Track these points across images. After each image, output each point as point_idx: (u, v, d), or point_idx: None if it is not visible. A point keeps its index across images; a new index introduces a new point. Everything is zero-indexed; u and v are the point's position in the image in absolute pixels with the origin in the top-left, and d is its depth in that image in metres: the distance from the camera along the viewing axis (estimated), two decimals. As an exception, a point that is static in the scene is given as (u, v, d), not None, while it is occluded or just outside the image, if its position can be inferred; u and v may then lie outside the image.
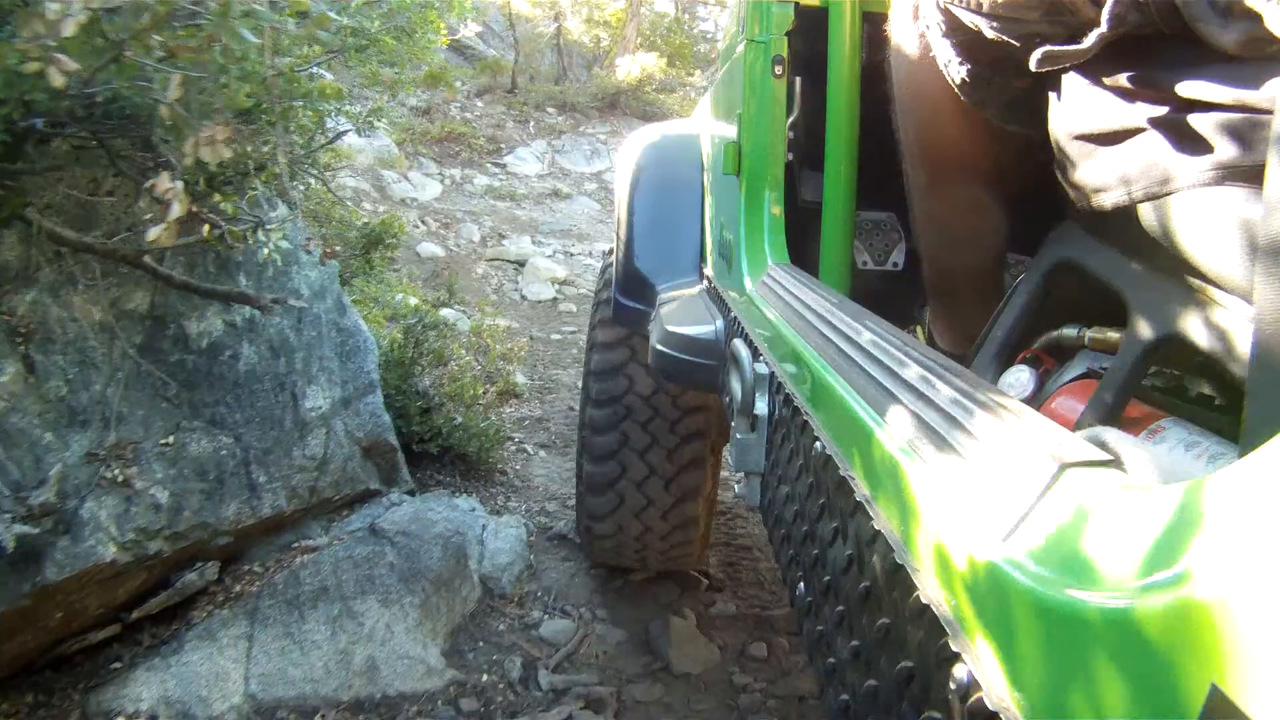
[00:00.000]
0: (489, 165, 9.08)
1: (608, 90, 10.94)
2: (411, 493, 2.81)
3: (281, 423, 2.31)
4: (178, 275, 2.06)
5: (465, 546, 2.50)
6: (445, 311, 5.05)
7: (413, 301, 4.77)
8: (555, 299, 6.23)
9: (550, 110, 10.48)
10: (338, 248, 3.57)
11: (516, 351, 4.75)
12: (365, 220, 5.19)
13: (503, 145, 9.46)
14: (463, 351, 4.22)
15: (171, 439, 2.03)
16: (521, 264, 6.68)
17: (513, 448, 3.72)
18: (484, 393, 3.96)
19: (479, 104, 10.18)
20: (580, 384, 3.84)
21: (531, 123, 10.16)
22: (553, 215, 8.25)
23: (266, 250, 1.96)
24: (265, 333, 2.32)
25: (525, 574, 2.68)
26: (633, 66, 11.30)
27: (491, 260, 6.78)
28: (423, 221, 7.19)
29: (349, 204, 5.83)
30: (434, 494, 2.89)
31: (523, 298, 6.25)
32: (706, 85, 11.23)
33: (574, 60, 12.23)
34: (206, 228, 1.92)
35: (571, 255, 7.25)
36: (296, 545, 2.37)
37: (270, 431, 2.26)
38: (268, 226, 1.99)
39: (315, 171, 2.95)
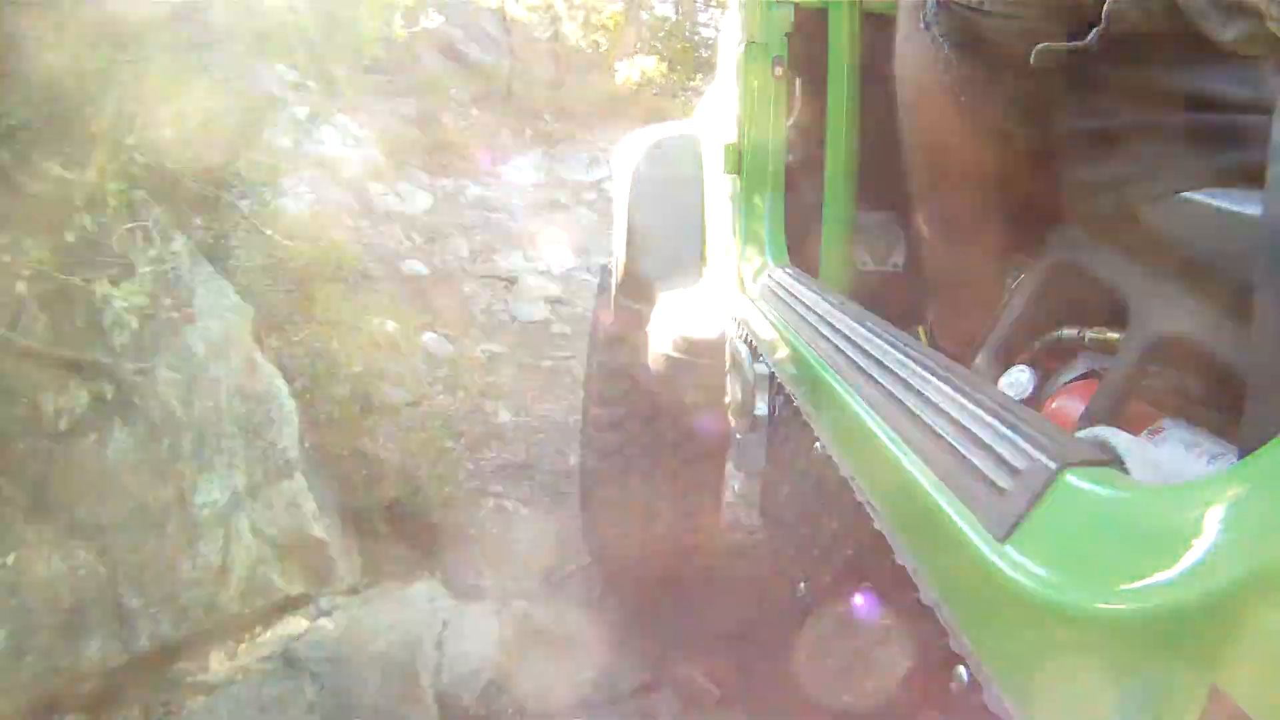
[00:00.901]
0: (483, 175, 8.69)
1: (607, 96, 10.54)
2: (355, 589, 2.26)
3: (163, 526, 1.79)
4: (18, 340, 1.57)
5: (417, 660, 2.00)
6: (427, 336, 4.81)
7: (390, 327, 4.55)
8: (548, 320, 5.76)
9: (547, 117, 10.11)
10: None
11: (500, 386, 4.38)
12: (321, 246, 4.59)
13: (497, 154, 9.08)
14: (435, 390, 3.97)
15: (11, 558, 1.55)
16: (513, 281, 6.27)
17: (490, 504, 3.15)
18: (460, 438, 3.60)
19: (473, 112, 9.81)
20: (574, 421, 3.58)
21: (528, 130, 9.76)
22: (549, 227, 7.83)
23: (122, 304, 1.53)
24: (144, 407, 1.79)
25: (494, 687, 2.11)
26: (632, 71, 10.82)
27: (481, 278, 6.37)
28: (408, 237, 6.77)
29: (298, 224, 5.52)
30: (382, 587, 2.31)
31: (513, 318, 5.77)
32: (707, 89, 11.14)
33: (572, 66, 11.83)
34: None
35: (568, 270, 6.83)
36: (189, 682, 1.83)
37: (148, 538, 1.75)
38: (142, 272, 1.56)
39: (239, 191, 2.48)
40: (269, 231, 2.62)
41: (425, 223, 7.08)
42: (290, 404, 2.22)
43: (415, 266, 6.00)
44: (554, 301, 5.89)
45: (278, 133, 7.35)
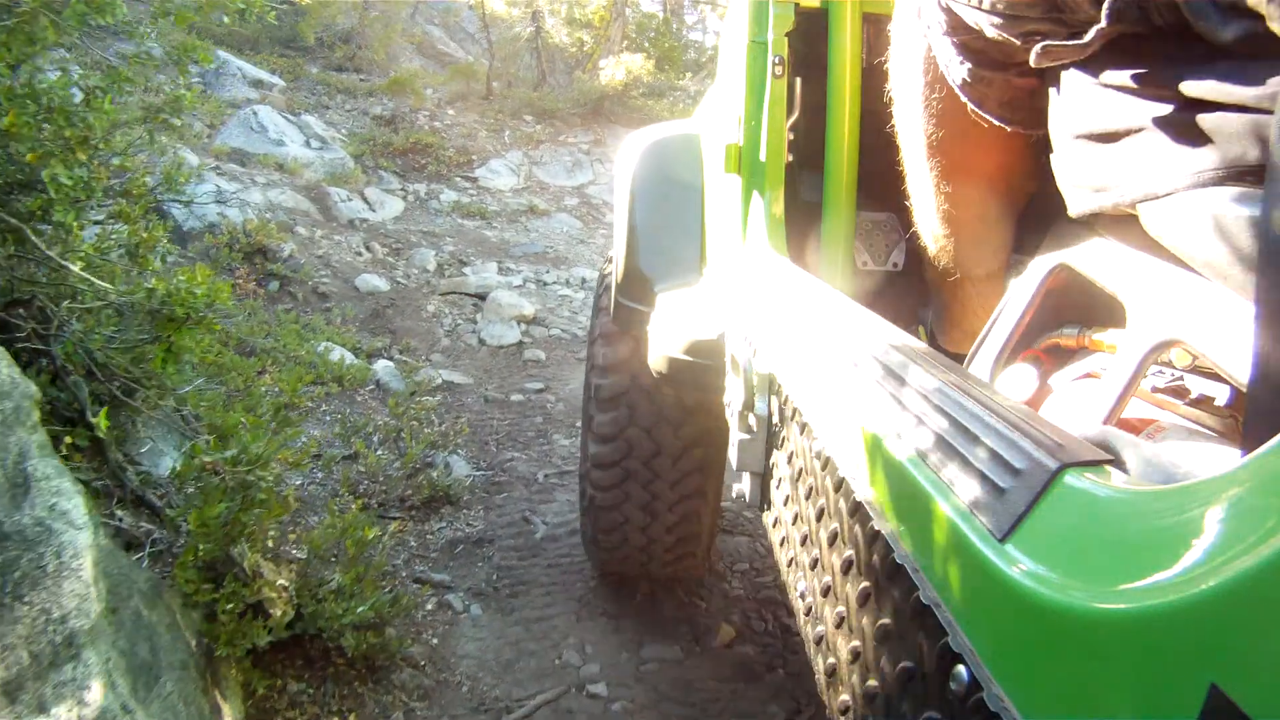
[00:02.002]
0: (458, 179, 7.99)
1: (590, 96, 9.94)
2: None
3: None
4: None
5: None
6: (379, 365, 4.24)
7: (336, 356, 4.00)
8: (520, 343, 5.00)
9: (528, 118, 9.56)
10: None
11: (455, 433, 3.52)
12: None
13: (474, 157, 8.43)
14: (373, 441, 3.31)
15: None
16: (482, 298, 5.50)
17: (431, 604, 2.40)
18: (403, 508, 2.88)
19: (449, 112, 9.31)
20: (544, 476, 3.30)
21: (507, 131, 9.15)
22: (526, 235, 7.20)
23: None
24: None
25: None
26: (617, 70, 10.30)
27: (446, 295, 5.55)
28: (366, 248, 5.98)
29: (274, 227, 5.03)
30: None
31: (481, 342, 4.98)
32: (696, 89, 10.69)
33: (554, 64, 11.23)
34: None
35: (544, 284, 6.09)
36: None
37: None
38: None
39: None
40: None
41: (393, 231, 6.51)
42: (84, 537, 1.39)
43: (375, 282, 5.44)
44: (528, 322, 5.31)
45: (236, 133, 6.79)
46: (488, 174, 8.28)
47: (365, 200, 6.88)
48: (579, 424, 3.70)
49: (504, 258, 6.56)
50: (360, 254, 5.88)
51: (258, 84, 8.31)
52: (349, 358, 4.20)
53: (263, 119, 7.21)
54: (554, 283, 6.18)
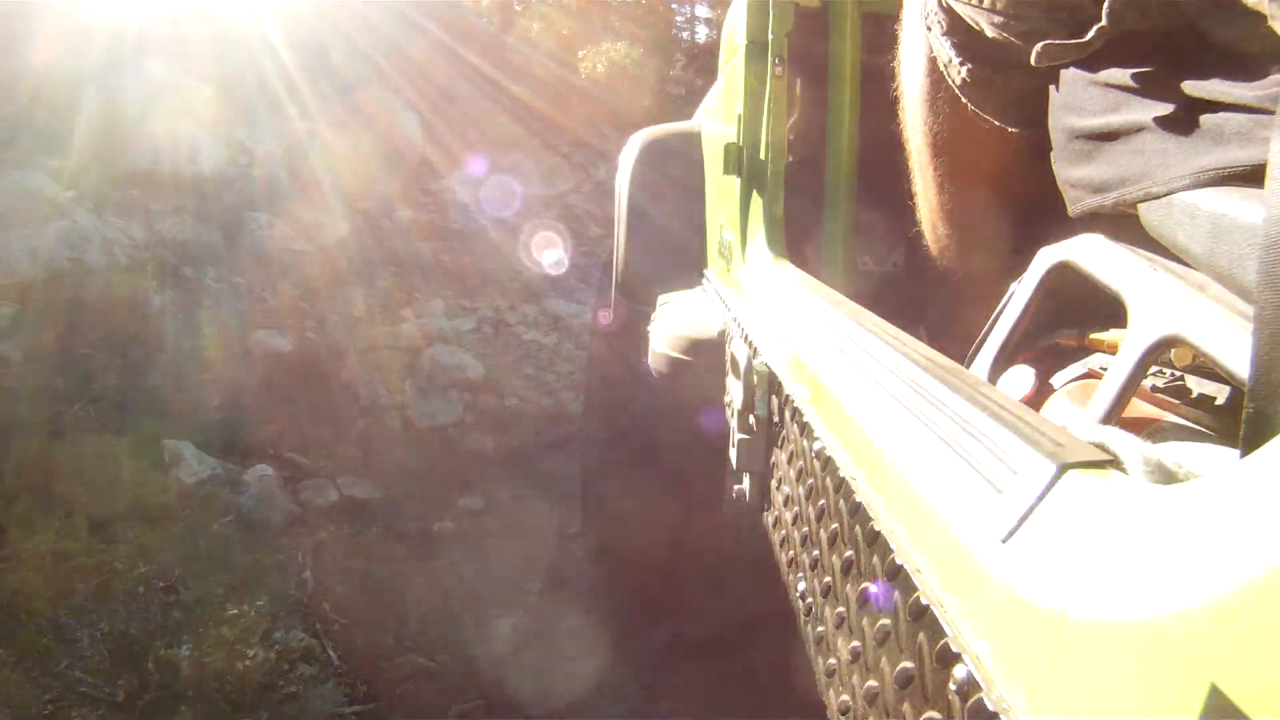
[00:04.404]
0: (416, 195, 6.54)
1: (569, 88, 8.76)
2: None
3: None
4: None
5: None
6: (253, 474, 2.85)
7: (187, 467, 2.59)
8: (461, 423, 3.62)
9: (501, 120, 8.14)
10: None
11: (325, 627, 2.14)
12: None
13: (437, 164, 7.06)
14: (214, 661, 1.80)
15: None
16: (418, 353, 4.14)
17: None
18: None
19: (408, 114, 7.49)
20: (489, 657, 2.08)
21: (473, 133, 7.68)
22: (490, 260, 5.67)
23: None
24: None
25: None
26: (599, 59, 9.11)
27: (370, 352, 4.07)
28: (272, 290, 4.29)
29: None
30: None
31: (406, 425, 3.61)
32: (683, 84, 9.88)
33: (530, 56, 9.60)
34: None
35: (505, 327, 4.67)
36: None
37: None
38: None
39: None
40: None
41: (325, 262, 4.77)
42: None
43: (275, 341, 3.76)
44: (474, 389, 3.83)
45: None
46: (452, 186, 6.97)
47: (295, 224, 5.21)
48: (541, 591, 2.48)
49: (458, 290, 5.13)
50: (265, 300, 4.24)
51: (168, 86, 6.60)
52: (207, 466, 2.77)
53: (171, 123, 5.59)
54: (518, 324, 4.82)
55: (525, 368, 4.34)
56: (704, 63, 9.39)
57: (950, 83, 0.96)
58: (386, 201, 6.08)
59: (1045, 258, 0.95)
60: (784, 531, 1.04)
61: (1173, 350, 0.71)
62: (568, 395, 4.08)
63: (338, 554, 2.59)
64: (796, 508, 0.98)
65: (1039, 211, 1.00)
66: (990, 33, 0.84)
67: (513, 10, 9.91)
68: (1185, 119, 0.66)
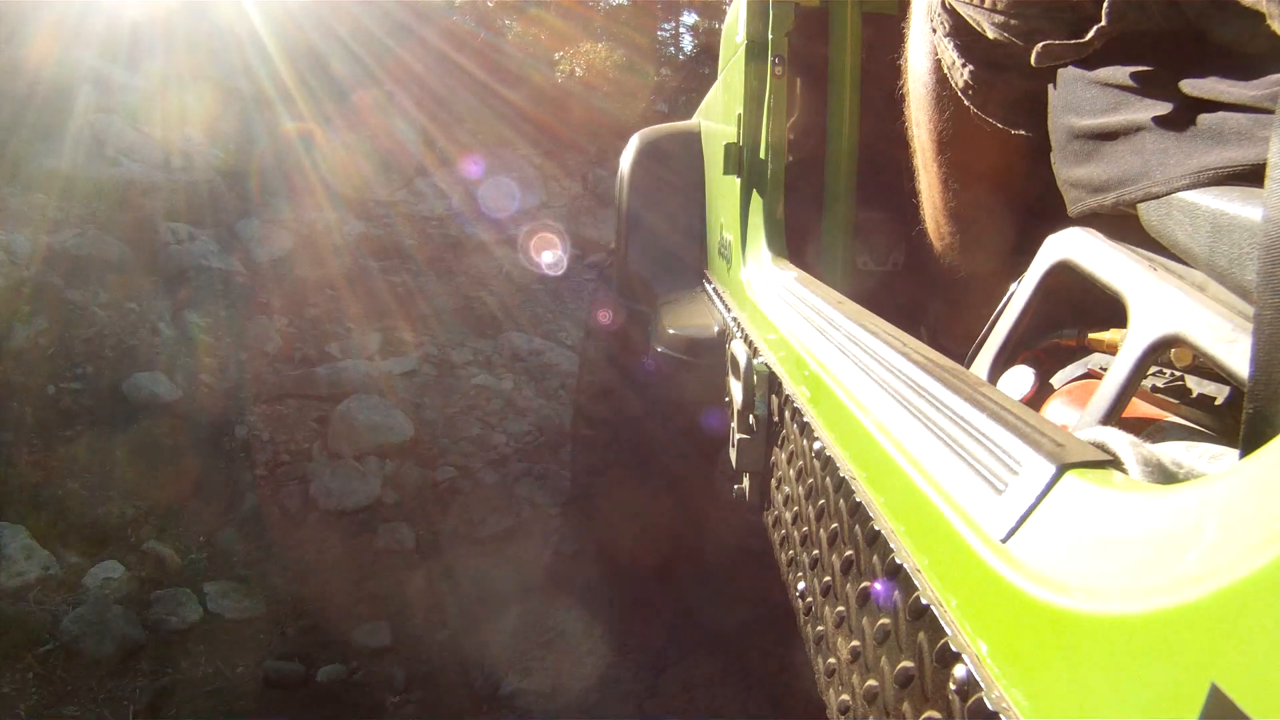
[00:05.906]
0: (372, 208, 5.60)
1: (545, 96, 7.95)
2: None
3: None
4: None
5: None
6: (96, 573, 2.20)
7: (7, 581, 1.91)
8: (375, 506, 2.71)
9: (470, 127, 7.42)
10: None
11: None
12: None
13: (397, 174, 6.25)
14: None
15: None
16: (336, 405, 3.14)
17: None
18: None
19: (373, 121, 6.81)
20: None
21: (441, 142, 6.96)
22: (447, 284, 4.84)
23: None
24: None
25: None
26: (578, 63, 8.30)
27: (278, 401, 3.18)
28: (170, 322, 3.43)
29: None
30: None
31: (309, 501, 2.71)
32: (662, 89, 9.43)
33: (504, 61, 8.63)
34: None
35: (450, 369, 3.74)
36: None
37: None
38: None
39: None
40: None
41: (245, 285, 3.88)
42: None
43: (163, 386, 2.88)
44: (399, 457, 2.88)
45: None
46: (409, 196, 6.10)
47: (221, 239, 4.31)
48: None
49: (402, 321, 4.19)
50: (157, 331, 3.33)
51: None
52: (36, 562, 2.13)
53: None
54: (468, 363, 3.80)
55: (469, 426, 3.31)
56: (694, 70, 8.81)
57: (953, 84, 0.96)
58: (334, 216, 5.19)
59: (1045, 257, 0.95)
60: (784, 531, 1.04)
61: (1173, 350, 0.71)
62: (517, 466, 3.06)
63: (183, 709, 1.84)
64: (796, 507, 0.98)
65: (1038, 211, 1.00)
66: (991, 34, 0.84)
67: (487, 5, 9.01)
68: (1185, 118, 0.66)
